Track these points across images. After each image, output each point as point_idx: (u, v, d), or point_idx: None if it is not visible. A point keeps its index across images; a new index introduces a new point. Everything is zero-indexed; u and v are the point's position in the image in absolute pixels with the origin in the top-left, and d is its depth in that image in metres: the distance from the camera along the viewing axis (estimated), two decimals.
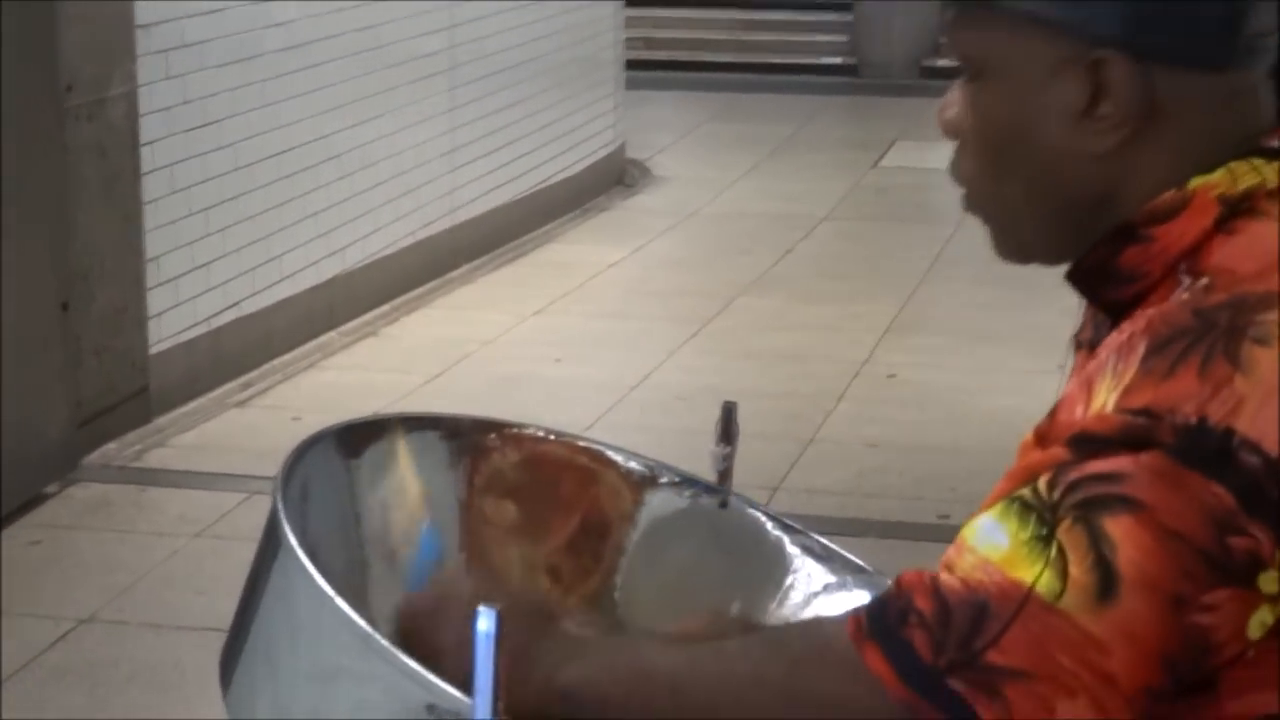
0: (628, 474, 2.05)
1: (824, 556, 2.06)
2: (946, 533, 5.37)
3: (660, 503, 2.05)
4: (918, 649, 1.36)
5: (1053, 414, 1.44)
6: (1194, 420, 1.34)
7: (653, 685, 1.47)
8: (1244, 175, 1.48)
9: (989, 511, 1.39)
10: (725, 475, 2.05)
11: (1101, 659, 1.33)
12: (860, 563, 2.05)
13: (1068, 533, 1.34)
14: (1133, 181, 1.49)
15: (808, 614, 2.03)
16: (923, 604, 1.37)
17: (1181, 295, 1.43)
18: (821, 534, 2.09)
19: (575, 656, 1.51)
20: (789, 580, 2.04)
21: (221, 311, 6.54)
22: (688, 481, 2.06)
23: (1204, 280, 1.43)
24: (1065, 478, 1.36)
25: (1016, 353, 6.73)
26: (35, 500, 5.41)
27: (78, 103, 5.68)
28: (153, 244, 6.10)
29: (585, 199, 9.78)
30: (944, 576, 1.37)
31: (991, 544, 1.37)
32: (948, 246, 8.34)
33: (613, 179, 10.28)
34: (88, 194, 5.75)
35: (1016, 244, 1.57)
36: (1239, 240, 1.45)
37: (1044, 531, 1.35)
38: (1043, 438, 1.43)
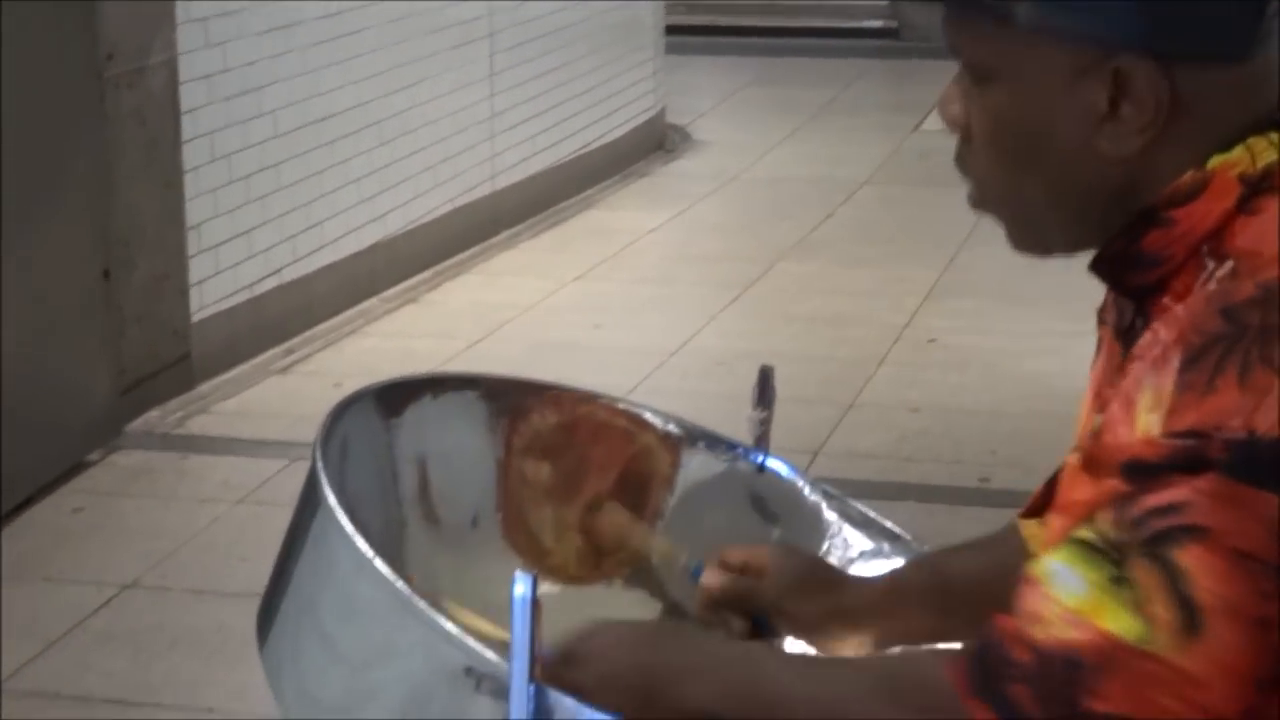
0: (666, 437, 2.05)
1: (861, 523, 2.06)
2: (987, 496, 5.39)
3: (698, 466, 2.05)
4: (1022, 704, 1.36)
5: (1098, 437, 1.42)
6: (1243, 435, 1.33)
7: (775, 713, 1.48)
8: (1263, 152, 1.46)
9: (1059, 554, 1.39)
10: (762, 439, 2.05)
11: (1200, 694, 1.32)
12: (897, 530, 2.06)
13: (1142, 571, 1.34)
14: (1155, 175, 1.48)
15: None
16: (1019, 655, 1.37)
17: (1208, 287, 1.41)
18: (861, 498, 2.09)
19: (700, 672, 1.53)
20: (825, 546, 2.05)
21: (263, 279, 6.55)
22: (725, 445, 2.07)
23: (1228, 264, 1.42)
24: (1127, 515, 1.35)
25: (1057, 316, 6.70)
26: (78, 467, 5.44)
27: (118, 71, 5.69)
28: (194, 212, 6.12)
29: (625, 164, 9.77)
30: (1034, 630, 1.37)
31: (1069, 591, 1.36)
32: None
33: (653, 144, 10.26)
34: (128, 162, 5.76)
35: (1034, 239, 1.56)
36: (1262, 220, 1.44)
37: (1117, 573, 1.35)
38: (1092, 463, 1.42)
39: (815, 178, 9.63)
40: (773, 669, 1.53)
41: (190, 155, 6.07)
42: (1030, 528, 1.60)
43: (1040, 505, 1.60)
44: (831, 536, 2.04)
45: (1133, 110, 1.45)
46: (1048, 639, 1.36)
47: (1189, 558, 1.32)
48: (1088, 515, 1.38)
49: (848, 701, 1.46)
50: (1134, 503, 1.35)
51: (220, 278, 6.30)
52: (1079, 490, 1.43)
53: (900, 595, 1.83)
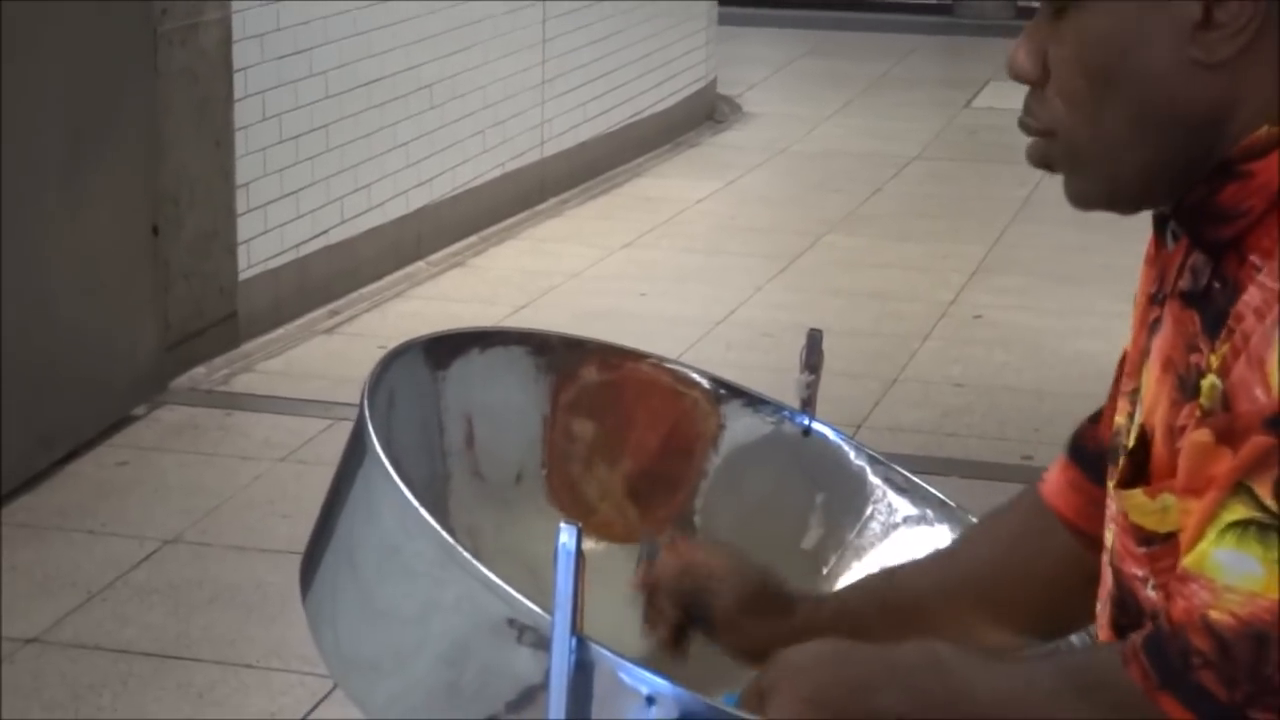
0: (713, 397, 2.05)
1: (905, 489, 2.05)
2: (1030, 474, 5.30)
3: (743, 428, 2.05)
4: (1211, 689, 1.35)
5: (1228, 406, 1.40)
6: None
7: (967, 718, 1.48)
8: None
9: (1220, 541, 1.36)
10: (809, 402, 2.04)
11: None
12: (943, 497, 2.05)
13: None
14: (1243, 98, 1.46)
15: (887, 545, 2.02)
16: (1200, 643, 1.36)
17: None
18: (907, 472, 2.08)
19: (890, 685, 1.51)
20: (869, 510, 2.04)
21: (310, 239, 6.56)
22: (772, 408, 2.06)
23: None
24: None
25: (1103, 295, 6.67)
26: (124, 421, 5.46)
27: (171, 27, 5.70)
28: (243, 170, 6.13)
29: (675, 134, 9.75)
30: (1214, 613, 1.35)
31: (1245, 575, 1.35)
32: (1037, 189, 8.27)
33: (703, 114, 10.24)
34: (179, 119, 5.77)
35: (1107, 183, 1.52)
36: None
37: None
38: (1227, 434, 1.39)
39: (865, 152, 9.60)
40: (960, 671, 1.51)
41: (241, 114, 6.08)
42: (1134, 498, 1.53)
43: (1136, 472, 1.55)
44: (875, 501, 2.03)
45: (1227, 14, 1.44)
46: (1228, 620, 1.34)
47: None
48: (1236, 484, 1.35)
49: (1037, 701, 1.45)
50: None
51: (268, 237, 6.31)
52: (1217, 464, 1.39)
53: (847, 617, 1.81)
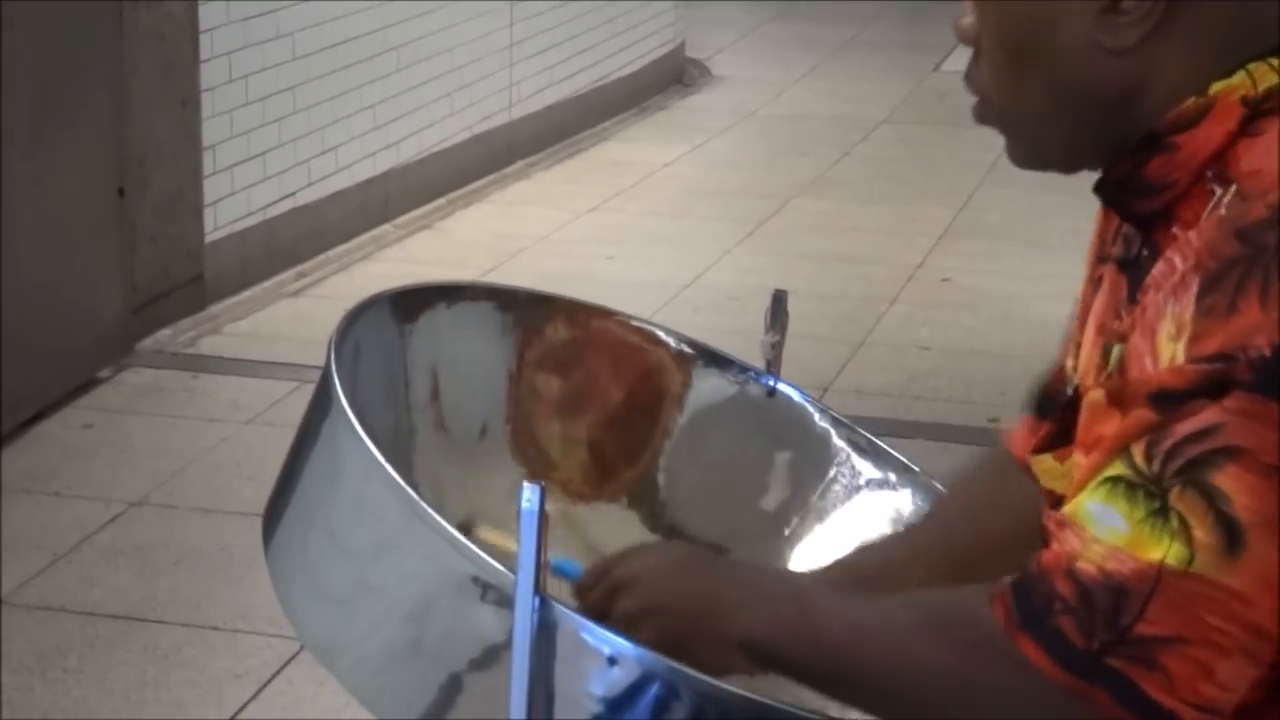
0: (678, 356, 2.05)
1: (870, 452, 2.06)
2: (996, 437, 5.36)
3: (708, 388, 2.05)
4: (1069, 635, 1.37)
5: (1122, 371, 1.42)
6: (1267, 352, 1.33)
7: (826, 648, 1.49)
8: (1264, 76, 1.46)
9: (1094, 493, 1.39)
10: (774, 363, 2.04)
11: (1246, 611, 1.33)
12: (906, 461, 2.05)
13: (1181, 499, 1.34)
14: (1155, 78, 1.48)
15: (849, 508, 2.02)
16: (1064, 589, 1.37)
17: (1218, 212, 1.41)
18: (871, 435, 2.08)
19: (752, 604, 1.53)
20: (832, 472, 2.04)
21: (277, 201, 6.54)
22: (737, 368, 2.06)
23: (1233, 188, 1.42)
24: (1160, 446, 1.36)
25: (1070, 259, 6.64)
26: (89, 384, 5.45)
27: None
28: (209, 132, 6.10)
29: (643, 97, 9.74)
30: (1080, 563, 1.37)
31: (1110, 529, 1.37)
32: (1003, 153, 8.27)
33: (671, 78, 10.22)
34: (145, 80, 5.75)
35: (1033, 149, 1.56)
36: (1264, 140, 1.44)
37: (1156, 505, 1.35)
38: (1117, 397, 1.41)
39: (833, 116, 9.60)
40: (824, 604, 1.54)
41: (207, 75, 6.05)
42: (1044, 463, 1.59)
43: (1051, 441, 1.59)
44: (839, 464, 2.03)
45: (1131, 6, 1.46)
46: (1092, 570, 1.36)
47: (1226, 478, 1.33)
48: (1118, 449, 1.38)
49: (897, 638, 1.47)
50: (1166, 432, 1.35)
51: (234, 199, 6.29)
52: (1106, 425, 1.42)
53: None
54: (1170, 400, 1.36)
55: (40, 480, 4.80)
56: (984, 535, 1.80)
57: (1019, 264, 6.96)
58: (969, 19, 1.55)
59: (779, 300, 2.01)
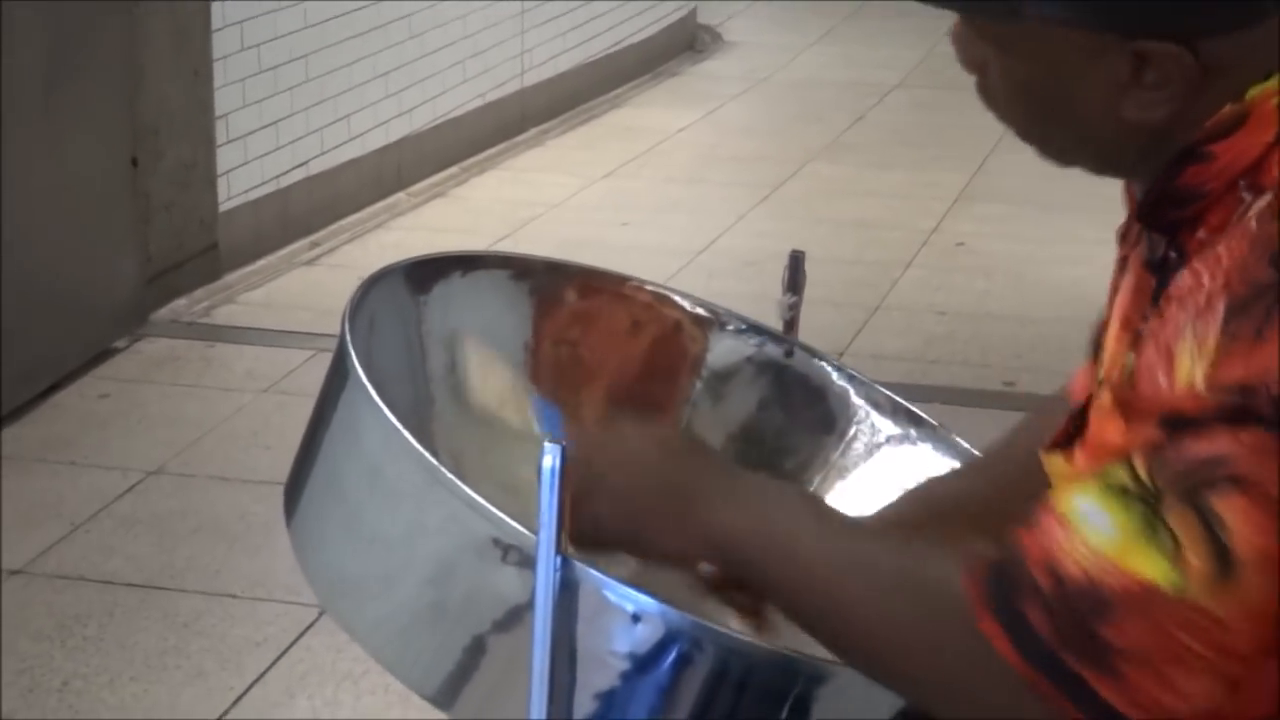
0: (694, 320, 2.04)
1: (889, 409, 2.05)
2: (1012, 400, 5.37)
3: (726, 351, 2.04)
4: (1035, 626, 1.34)
5: (1133, 383, 1.39)
6: None
7: (790, 566, 1.46)
8: None
9: (1086, 491, 1.35)
10: (791, 324, 2.04)
11: (1224, 636, 1.31)
12: (924, 416, 2.05)
13: (1177, 517, 1.31)
14: (1186, 126, 1.43)
15: (870, 465, 2.02)
16: (1042, 580, 1.35)
17: (1249, 224, 1.37)
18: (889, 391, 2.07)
19: (730, 500, 1.49)
20: (852, 430, 2.04)
21: (290, 170, 6.54)
22: (754, 330, 2.06)
23: (1266, 197, 1.38)
24: (1165, 462, 1.32)
25: (1085, 222, 6.66)
26: (105, 354, 5.45)
27: None
28: (222, 101, 6.10)
29: (656, 64, 9.72)
30: (1065, 561, 1.34)
31: (1099, 532, 1.33)
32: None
33: (684, 44, 10.20)
34: (157, 49, 5.74)
35: (1060, 164, 1.53)
36: None
37: (1151, 519, 1.32)
38: (1125, 407, 1.39)
39: (847, 80, 9.58)
40: (805, 522, 1.49)
41: (219, 44, 6.05)
42: (1055, 464, 1.55)
43: (1066, 439, 1.56)
44: (859, 422, 2.03)
45: (1157, 81, 1.41)
46: (1077, 573, 1.33)
47: (1228, 508, 1.29)
48: (1120, 457, 1.35)
49: (866, 580, 1.43)
50: (1173, 451, 1.32)
51: (248, 168, 6.28)
52: (1110, 432, 1.39)
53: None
54: (1183, 424, 1.32)
55: (58, 450, 4.81)
56: (956, 493, 1.79)
57: (1034, 228, 6.95)
58: (971, 49, 1.49)
59: (796, 261, 2.00)
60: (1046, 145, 1.51)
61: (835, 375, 2.06)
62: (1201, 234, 1.42)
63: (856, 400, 2.04)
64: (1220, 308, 1.33)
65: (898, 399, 2.03)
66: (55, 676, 3.75)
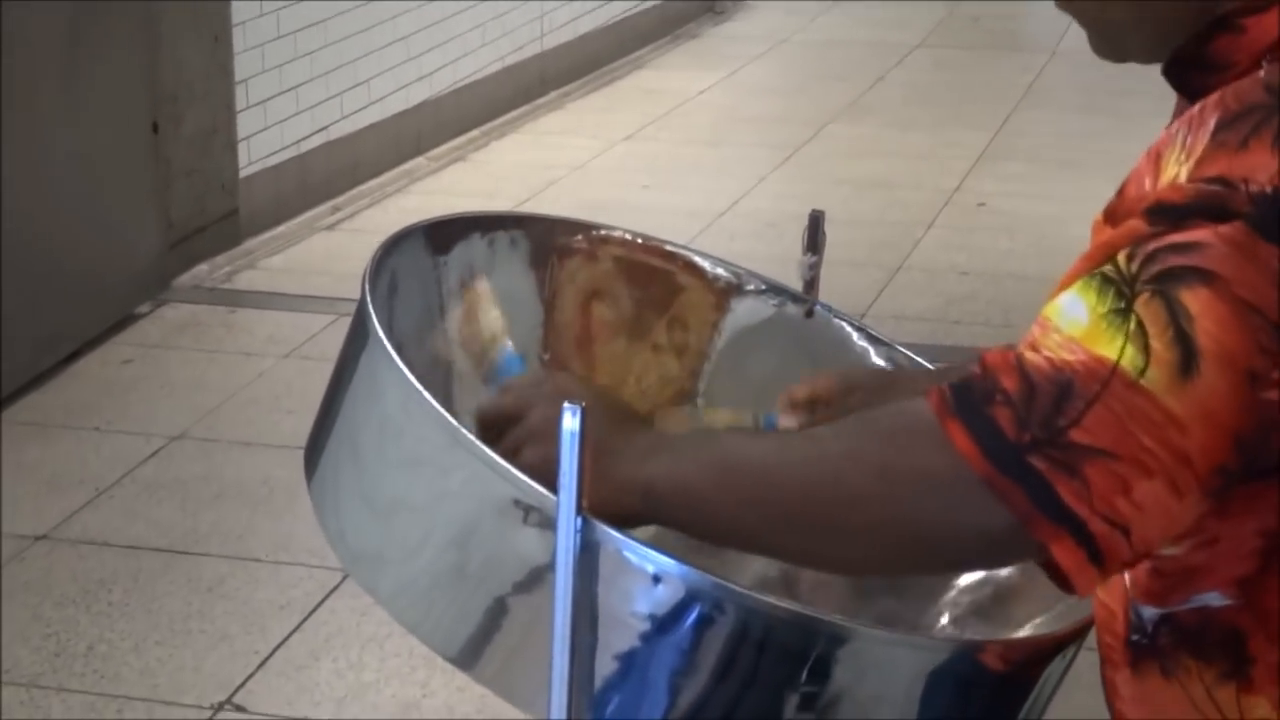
0: (714, 280, 2.04)
1: (908, 368, 2.05)
2: None
3: (746, 310, 2.04)
4: (1001, 426, 1.35)
5: (1121, 191, 1.42)
6: (1268, 189, 1.32)
7: (742, 473, 1.45)
8: None
9: (1070, 289, 1.37)
10: (812, 284, 2.03)
11: (1180, 438, 1.32)
12: None
13: (1145, 305, 1.33)
14: None
15: None
16: (1008, 383, 1.36)
17: (1256, 74, 1.41)
18: (909, 351, 2.07)
19: (661, 451, 1.49)
20: None
21: (310, 135, 6.54)
22: (774, 290, 2.05)
23: None
24: (1144, 249, 1.34)
25: (1106, 180, 6.59)
26: (127, 320, 5.47)
27: None
28: (242, 66, 6.09)
29: (675, 25, 9.69)
30: (1029, 355, 1.36)
31: (1072, 319, 1.35)
32: (1040, 75, 8.23)
33: (704, 6, 10.18)
34: (176, 15, 5.74)
35: (1113, 49, 1.53)
36: None
37: (1122, 304, 1.34)
38: (1113, 215, 1.41)
39: (867, 41, 9.55)
40: (736, 437, 1.52)
41: (239, 9, 6.04)
42: None
43: None
44: None
45: None
46: (1040, 360, 1.35)
47: (1195, 299, 1.32)
48: (1105, 254, 1.37)
49: (818, 446, 1.43)
50: (1153, 238, 1.34)
51: (268, 134, 6.28)
52: (1097, 238, 1.41)
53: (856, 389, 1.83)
54: (1165, 213, 1.35)
55: (81, 416, 4.82)
56: None
57: (1055, 187, 6.93)
58: None
59: (816, 221, 1.99)
60: (1105, 27, 1.51)
61: (855, 335, 2.05)
62: None
63: (876, 360, 2.03)
64: (1211, 120, 1.37)
65: (918, 359, 2.02)
66: (81, 641, 3.77)
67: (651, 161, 7.30)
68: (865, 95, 8.40)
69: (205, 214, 5.96)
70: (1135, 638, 1.49)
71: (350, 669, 3.68)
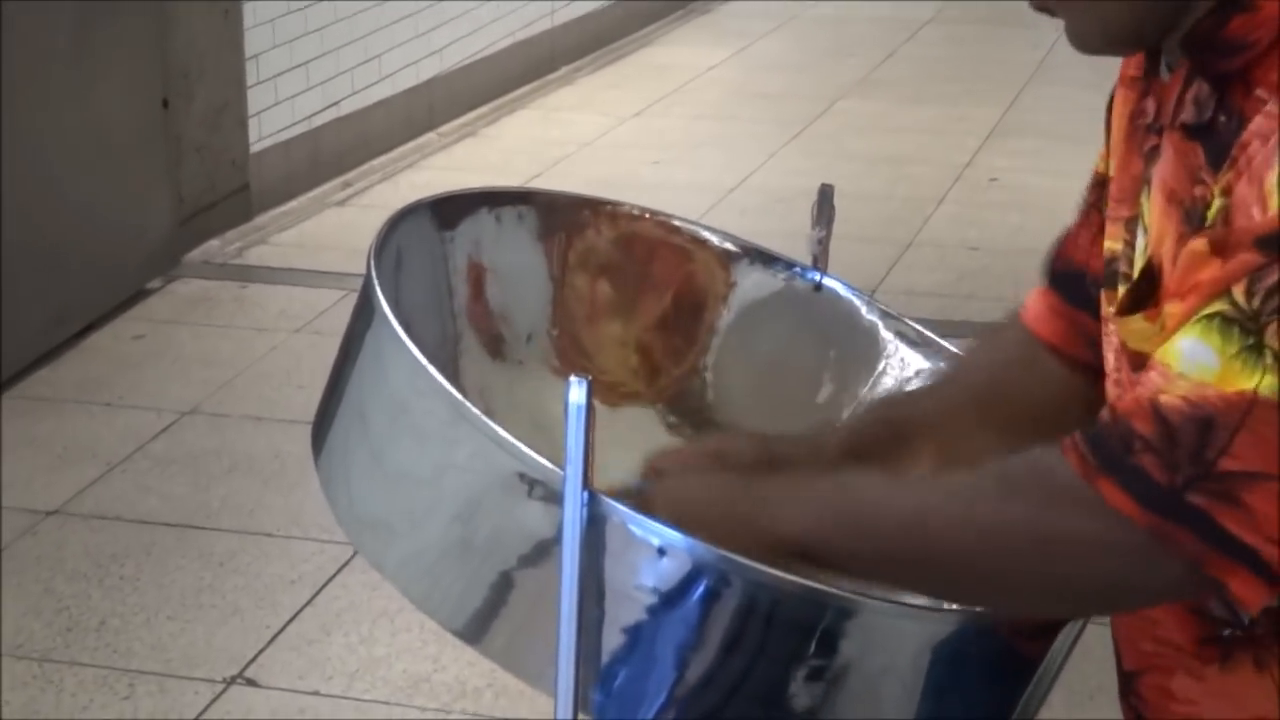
0: (723, 254, 2.03)
1: (919, 342, 2.04)
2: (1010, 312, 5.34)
3: (754, 284, 2.03)
4: (1150, 473, 1.33)
5: (1226, 221, 1.39)
6: None
7: (885, 529, 1.45)
8: None
9: (1187, 333, 1.36)
10: (820, 258, 2.03)
11: None
12: (955, 349, 2.03)
13: (1276, 334, 1.32)
14: None
15: None
16: (1144, 428, 1.34)
17: None
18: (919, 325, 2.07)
19: (789, 502, 1.49)
20: (881, 364, 2.03)
21: (321, 111, 6.54)
22: (783, 264, 2.05)
23: None
24: (1263, 283, 1.33)
25: None
26: (139, 295, 5.47)
27: None
28: (252, 42, 6.09)
29: (686, 1, 9.68)
30: (1164, 398, 1.34)
31: (1200, 365, 1.34)
32: (1052, 51, 8.21)
33: None
34: None
35: (1099, 22, 1.50)
36: None
37: (1251, 341, 1.32)
38: (1220, 245, 1.38)
39: (878, 16, 9.53)
40: (866, 483, 1.50)
41: None
42: (1134, 323, 1.52)
43: (1138, 301, 1.54)
44: (888, 356, 2.02)
45: None
46: (1178, 403, 1.33)
47: None
48: (1219, 290, 1.35)
49: (963, 506, 1.42)
50: (1270, 271, 1.33)
51: (279, 109, 6.28)
52: (1206, 272, 1.38)
53: (854, 444, 1.77)
54: (1277, 244, 1.33)
55: (93, 391, 4.83)
56: (1003, 390, 1.79)
57: (1066, 162, 6.89)
58: None
59: (825, 195, 1.99)
60: (1085, 11, 1.50)
61: (864, 309, 2.05)
62: (1260, 92, 1.42)
63: (885, 334, 2.03)
64: None
65: (927, 333, 2.02)
66: (93, 615, 3.78)
67: (661, 137, 7.30)
68: (876, 70, 8.38)
69: (216, 190, 5.97)
70: (1227, 632, 1.47)
71: (361, 643, 3.69)
